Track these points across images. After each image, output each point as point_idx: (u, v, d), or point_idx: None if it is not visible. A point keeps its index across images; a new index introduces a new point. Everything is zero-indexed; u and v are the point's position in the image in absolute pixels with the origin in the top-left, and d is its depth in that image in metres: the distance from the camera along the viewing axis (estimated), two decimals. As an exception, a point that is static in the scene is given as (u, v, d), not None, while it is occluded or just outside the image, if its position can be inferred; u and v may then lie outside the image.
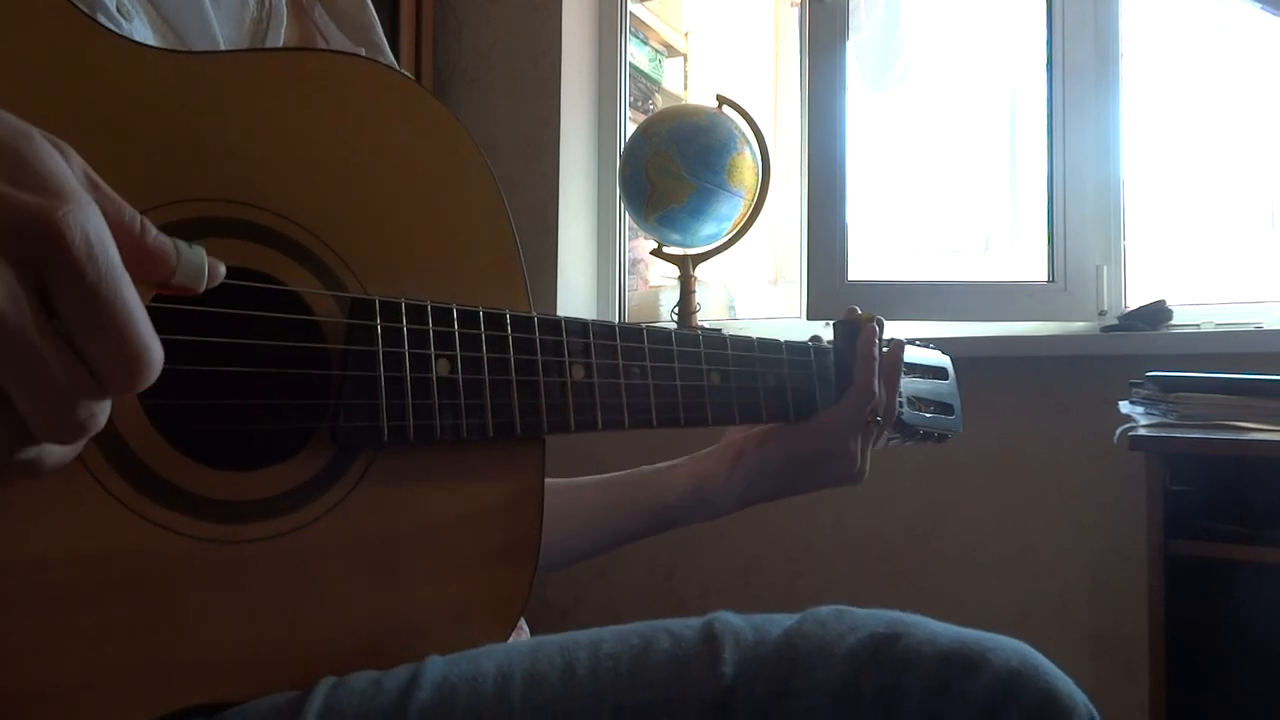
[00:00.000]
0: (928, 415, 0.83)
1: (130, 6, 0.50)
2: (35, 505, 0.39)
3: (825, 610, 0.50)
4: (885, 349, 0.77)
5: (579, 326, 0.58)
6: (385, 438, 0.49)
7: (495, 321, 0.54)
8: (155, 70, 0.45)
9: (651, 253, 1.97)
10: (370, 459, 0.50)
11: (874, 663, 0.46)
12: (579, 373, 0.57)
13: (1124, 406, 1.39)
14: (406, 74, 0.55)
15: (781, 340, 0.73)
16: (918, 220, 2.41)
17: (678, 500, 0.75)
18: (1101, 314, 1.69)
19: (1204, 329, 1.61)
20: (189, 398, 0.45)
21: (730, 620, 0.50)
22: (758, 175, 1.86)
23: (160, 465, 0.43)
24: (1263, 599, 1.23)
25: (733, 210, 1.86)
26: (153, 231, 0.32)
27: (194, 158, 0.45)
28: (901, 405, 0.80)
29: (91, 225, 0.29)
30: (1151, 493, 1.23)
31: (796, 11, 2.53)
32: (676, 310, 1.90)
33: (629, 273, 2.21)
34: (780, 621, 0.50)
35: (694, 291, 1.90)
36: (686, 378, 0.64)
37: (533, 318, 0.55)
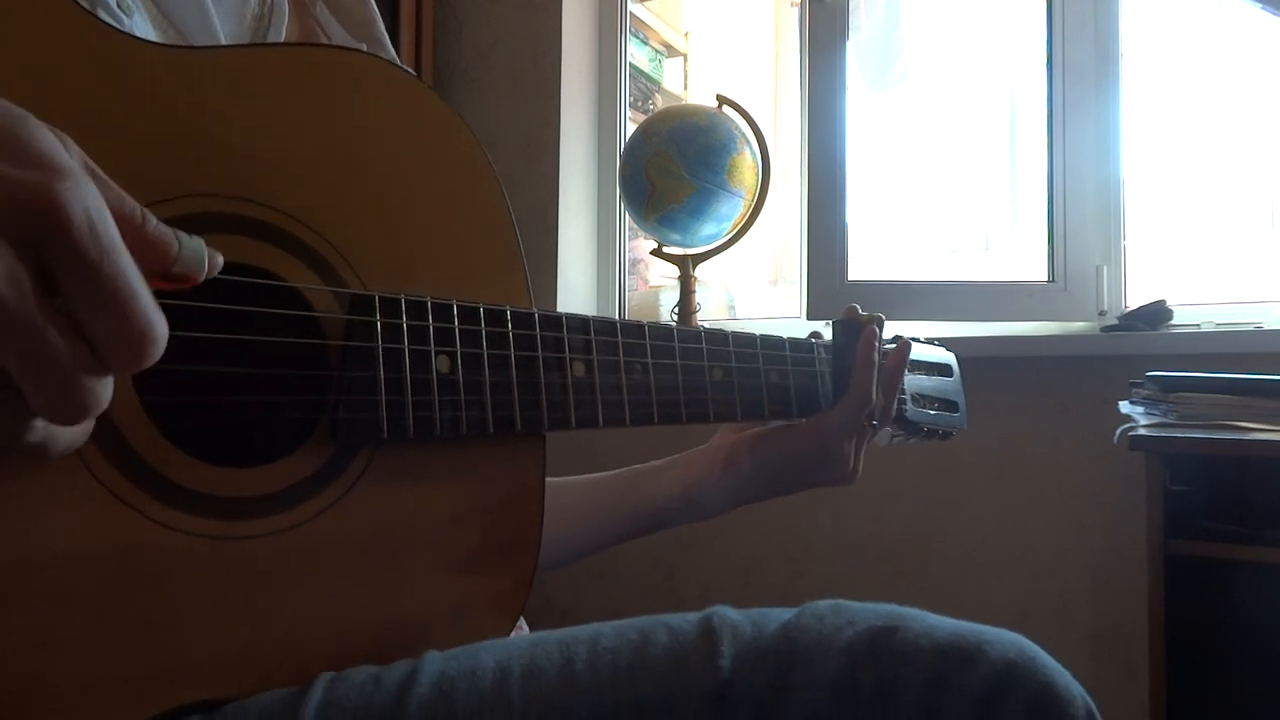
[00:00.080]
0: (932, 412, 0.83)
1: (131, 2, 0.50)
2: (33, 502, 0.39)
3: (823, 604, 0.50)
4: (891, 348, 0.76)
5: (580, 323, 0.58)
6: (385, 434, 0.49)
7: (496, 318, 0.53)
8: (155, 66, 0.44)
9: (651, 253, 1.97)
10: (370, 455, 0.49)
11: (871, 656, 0.46)
12: (580, 369, 0.57)
13: (1124, 406, 1.39)
14: (408, 70, 0.55)
15: (784, 337, 0.73)
16: (918, 220, 2.41)
17: (667, 502, 0.75)
18: (1101, 314, 1.69)
19: (1204, 329, 1.61)
20: (188, 394, 0.45)
21: (728, 614, 0.50)
22: (758, 175, 1.86)
23: (159, 462, 0.43)
24: (1263, 599, 1.23)
25: (733, 210, 1.86)
26: (153, 221, 0.32)
27: (194, 153, 0.45)
28: (906, 402, 0.80)
29: (91, 201, 0.29)
30: (1151, 493, 1.23)
31: (796, 11, 2.54)
32: (676, 310, 1.90)
33: (629, 273, 2.21)
34: (778, 615, 0.50)
35: (694, 291, 1.90)
36: (689, 374, 0.64)
37: (533, 314, 0.55)
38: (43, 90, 0.41)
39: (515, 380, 0.54)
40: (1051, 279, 1.72)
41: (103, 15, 0.47)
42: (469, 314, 0.52)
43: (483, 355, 0.52)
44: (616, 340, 0.59)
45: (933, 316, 1.76)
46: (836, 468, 0.73)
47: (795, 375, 0.72)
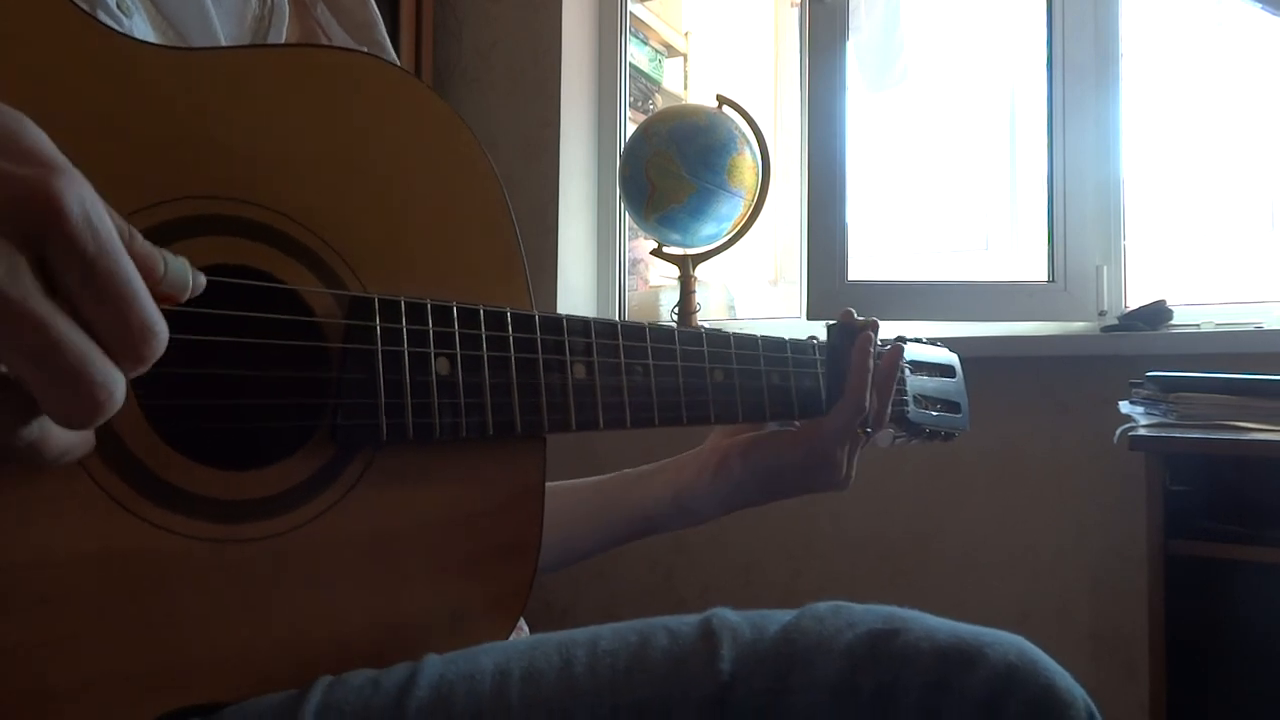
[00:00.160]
0: (934, 414, 0.83)
1: (130, 3, 0.50)
2: (33, 508, 0.39)
3: (823, 606, 0.50)
4: (884, 350, 0.75)
5: (580, 325, 0.57)
6: (384, 437, 0.48)
7: (496, 320, 0.53)
8: (155, 67, 0.44)
9: (651, 253, 1.97)
10: (369, 458, 0.49)
11: (872, 658, 0.46)
12: (580, 371, 0.57)
13: (1124, 406, 1.39)
14: (409, 71, 0.54)
15: (786, 338, 0.72)
16: (918, 220, 2.41)
17: (657, 508, 0.74)
18: (1101, 314, 1.69)
19: (1204, 329, 1.61)
20: (186, 397, 0.45)
21: (728, 616, 0.50)
22: (758, 175, 1.86)
23: (157, 465, 0.43)
24: (1263, 599, 1.23)
25: (733, 210, 1.86)
26: (140, 238, 0.32)
27: (194, 155, 0.45)
28: (908, 403, 0.79)
29: (87, 196, 0.29)
30: (1151, 493, 1.23)
31: (796, 11, 2.53)
32: (676, 310, 1.90)
33: (629, 273, 2.21)
34: (778, 617, 0.49)
35: (694, 291, 1.90)
36: (690, 375, 0.64)
37: (533, 316, 0.55)
38: (43, 92, 0.41)
39: (515, 382, 0.54)
40: (1051, 279, 1.72)
41: (102, 17, 0.47)
42: (469, 316, 0.52)
43: (483, 357, 0.52)
44: (617, 342, 0.59)
45: (933, 316, 1.76)
46: (829, 474, 0.73)
47: (796, 376, 0.72)
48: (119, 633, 0.41)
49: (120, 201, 0.42)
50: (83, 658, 0.41)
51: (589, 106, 2.14)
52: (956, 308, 1.74)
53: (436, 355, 0.50)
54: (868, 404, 0.72)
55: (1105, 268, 1.71)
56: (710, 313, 2.24)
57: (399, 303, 0.50)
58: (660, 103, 2.67)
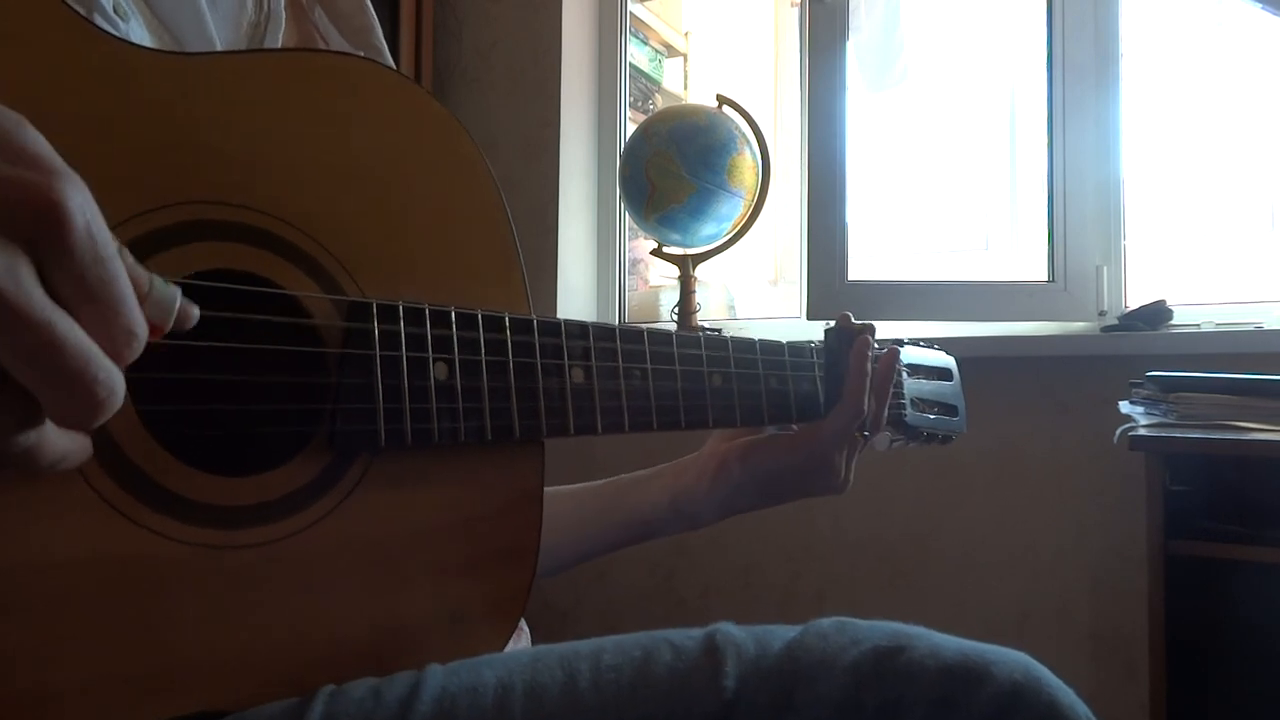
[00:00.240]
0: (931, 416, 0.83)
1: (127, 8, 0.50)
2: (28, 510, 0.39)
3: (827, 622, 0.50)
4: (881, 353, 0.75)
5: (578, 329, 0.57)
6: (382, 442, 0.48)
7: (494, 324, 0.53)
8: (152, 72, 0.44)
9: (651, 253, 1.97)
10: (367, 463, 0.49)
11: (876, 676, 0.46)
12: (579, 375, 0.57)
13: (1124, 406, 1.39)
14: (406, 75, 0.54)
15: (784, 342, 0.72)
16: (918, 220, 2.40)
17: (655, 512, 0.74)
18: (1101, 314, 1.69)
19: (1204, 329, 1.61)
20: (183, 402, 0.45)
21: (732, 632, 0.49)
22: (758, 175, 1.86)
23: (155, 470, 0.43)
24: (1263, 599, 1.23)
25: (733, 210, 1.85)
26: (130, 258, 0.32)
27: (190, 160, 0.45)
28: (905, 407, 0.79)
29: (87, 201, 0.30)
30: (1151, 493, 1.23)
31: (796, 11, 2.53)
32: (676, 310, 1.90)
33: (629, 273, 2.21)
34: (782, 634, 0.49)
35: (694, 291, 1.89)
36: (688, 380, 0.64)
37: (531, 320, 0.55)
38: (39, 96, 0.41)
39: (514, 387, 0.54)
40: (1051, 279, 1.72)
41: (99, 21, 0.47)
42: (467, 321, 0.52)
43: (481, 362, 0.52)
44: (615, 346, 0.59)
45: (933, 317, 1.76)
46: (827, 477, 0.73)
47: (795, 380, 0.72)
48: (117, 636, 0.41)
49: (118, 206, 0.42)
50: (81, 661, 0.41)
51: (589, 106, 2.14)
52: (956, 308, 1.74)
53: (434, 360, 0.50)
54: (865, 407, 0.72)
55: (1105, 268, 1.70)
56: (710, 313, 2.23)
57: (397, 307, 0.50)
58: (660, 103, 2.67)
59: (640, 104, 2.53)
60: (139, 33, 0.51)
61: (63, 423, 0.31)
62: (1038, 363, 1.67)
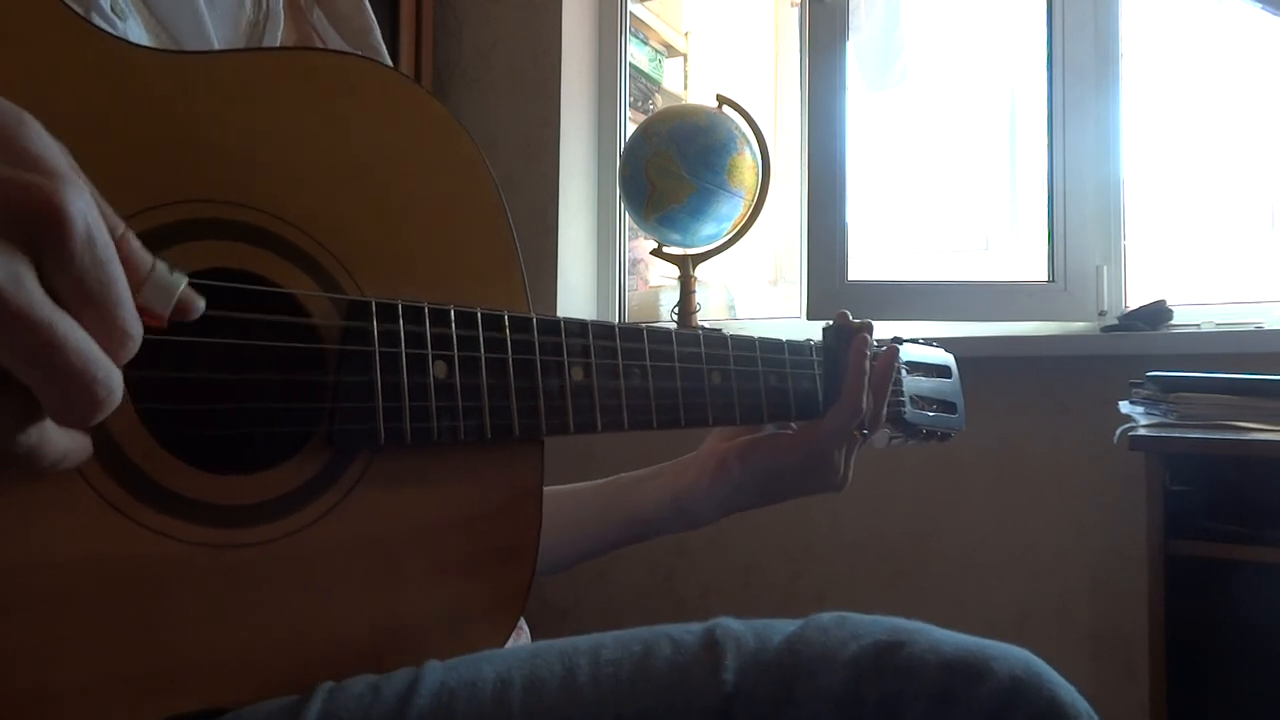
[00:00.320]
0: (930, 414, 0.83)
1: (125, 7, 0.50)
2: (28, 510, 0.39)
3: (827, 617, 0.50)
4: (880, 351, 0.75)
5: (578, 327, 0.57)
6: (382, 440, 0.48)
7: (493, 323, 0.53)
8: (150, 70, 0.44)
9: (651, 253, 1.97)
10: (367, 461, 0.49)
11: (876, 670, 0.45)
12: (578, 374, 0.57)
13: (1124, 406, 1.39)
14: (405, 74, 0.54)
15: (784, 340, 0.72)
16: (918, 220, 2.41)
17: (656, 511, 0.74)
18: (1101, 314, 1.69)
19: (1204, 329, 1.61)
20: (182, 401, 0.45)
21: (731, 626, 0.49)
22: (758, 175, 1.86)
23: (154, 470, 0.43)
24: (1263, 599, 1.23)
25: (733, 210, 1.85)
26: (134, 242, 0.32)
27: (189, 158, 0.45)
28: (904, 404, 0.79)
29: (89, 204, 0.30)
30: (1151, 493, 1.23)
31: (796, 11, 2.53)
32: (676, 310, 1.90)
33: (629, 273, 2.21)
34: (782, 628, 0.49)
35: (694, 291, 1.89)
36: (687, 378, 0.64)
37: (531, 319, 0.55)
38: (38, 95, 0.41)
39: (513, 385, 0.54)
40: (1051, 279, 1.72)
41: (97, 20, 0.47)
42: (466, 319, 0.52)
43: (480, 360, 0.52)
44: (615, 345, 0.59)
45: (933, 316, 1.76)
46: (826, 475, 0.73)
47: (794, 378, 0.72)
48: (117, 636, 0.41)
49: (117, 204, 0.42)
50: (81, 660, 0.41)
51: (589, 106, 2.14)
52: (956, 308, 1.74)
53: (434, 358, 0.50)
54: (864, 405, 0.72)
55: (1105, 268, 1.70)
56: (710, 313, 2.24)
57: (396, 306, 0.50)
58: (660, 103, 2.67)
59: (640, 104, 2.53)
60: (137, 32, 0.51)
61: (63, 421, 0.31)
62: (1038, 363, 1.67)
